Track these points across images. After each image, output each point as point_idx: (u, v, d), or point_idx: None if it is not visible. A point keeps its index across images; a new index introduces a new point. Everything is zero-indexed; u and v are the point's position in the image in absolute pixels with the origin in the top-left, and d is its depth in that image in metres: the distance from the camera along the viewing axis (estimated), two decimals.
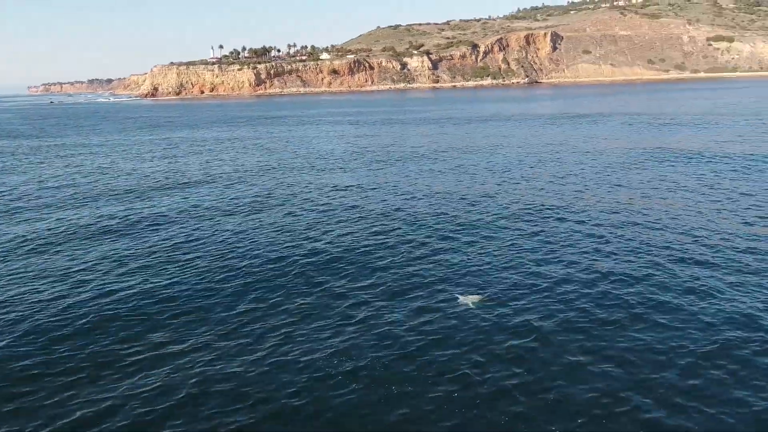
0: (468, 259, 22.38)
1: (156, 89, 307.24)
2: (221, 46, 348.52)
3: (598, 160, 46.15)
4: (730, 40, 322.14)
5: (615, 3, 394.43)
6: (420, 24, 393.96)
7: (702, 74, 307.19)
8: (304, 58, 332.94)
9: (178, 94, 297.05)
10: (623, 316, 16.79)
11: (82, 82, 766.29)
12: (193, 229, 28.19)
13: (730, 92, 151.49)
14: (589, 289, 18.90)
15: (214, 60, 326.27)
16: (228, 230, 27.86)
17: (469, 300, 17.81)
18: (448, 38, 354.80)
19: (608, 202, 31.21)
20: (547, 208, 30.13)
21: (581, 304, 17.71)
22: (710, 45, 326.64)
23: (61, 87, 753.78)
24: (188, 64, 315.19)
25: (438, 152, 55.08)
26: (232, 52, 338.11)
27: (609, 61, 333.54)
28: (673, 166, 42.15)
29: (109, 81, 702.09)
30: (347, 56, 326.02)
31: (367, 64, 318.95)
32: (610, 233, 25.19)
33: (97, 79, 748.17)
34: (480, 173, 42.39)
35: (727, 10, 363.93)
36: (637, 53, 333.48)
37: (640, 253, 22.41)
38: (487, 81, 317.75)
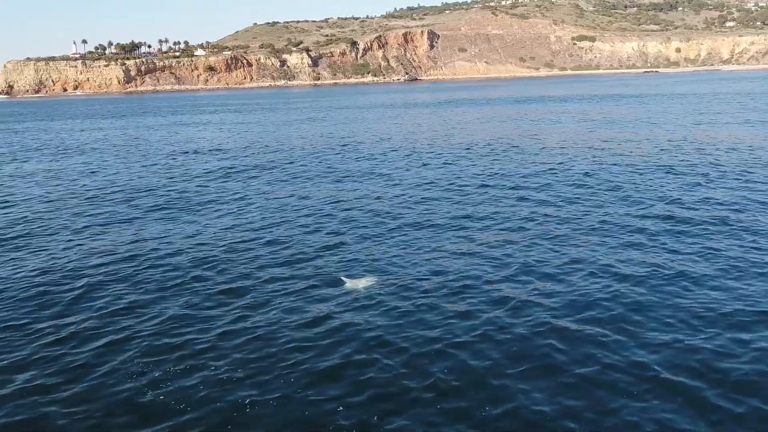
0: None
1: (11, 87, 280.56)
2: (85, 41, 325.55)
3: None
4: (592, 39, 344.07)
5: (487, 3, 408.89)
6: (298, 21, 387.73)
7: (569, 71, 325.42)
8: (177, 54, 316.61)
9: (37, 92, 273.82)
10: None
11: None
12: None
13: (597, 84, 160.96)
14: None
15: (77, 56, 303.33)
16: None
17: (359, 284, 14.67)
18: (327, 36, 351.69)
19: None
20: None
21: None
22: (575, 44, 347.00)
23: None
24: (48, 59, 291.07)
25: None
26: (97, 48, 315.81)
27: (484, 59, 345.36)
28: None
29: None
30: (224, 53, 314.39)
31: (245, 61, 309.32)
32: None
33: None
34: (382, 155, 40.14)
35: (588, 12, 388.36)
36: (510, 51, 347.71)
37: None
38: (368, 78, 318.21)
